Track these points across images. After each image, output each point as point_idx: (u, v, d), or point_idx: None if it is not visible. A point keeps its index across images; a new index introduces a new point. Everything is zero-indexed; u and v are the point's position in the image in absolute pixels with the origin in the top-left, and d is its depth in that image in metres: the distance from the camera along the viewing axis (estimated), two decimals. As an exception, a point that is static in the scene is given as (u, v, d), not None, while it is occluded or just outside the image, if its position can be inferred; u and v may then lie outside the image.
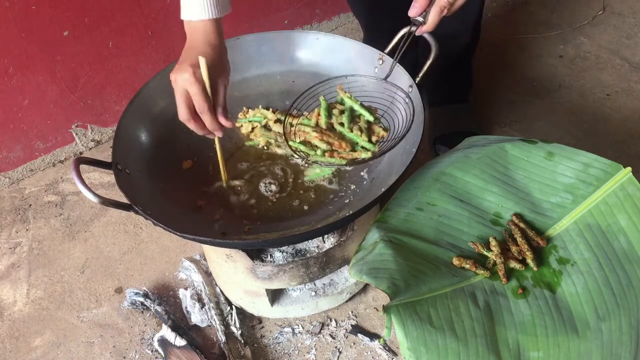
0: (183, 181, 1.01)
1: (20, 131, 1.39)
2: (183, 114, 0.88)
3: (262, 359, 1.06)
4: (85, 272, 1.24)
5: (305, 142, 0.95)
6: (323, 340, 1.08)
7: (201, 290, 1.15)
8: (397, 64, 0.98)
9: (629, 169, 0.88)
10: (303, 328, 1.10)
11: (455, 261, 0.85)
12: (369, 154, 0.93)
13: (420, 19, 0.89)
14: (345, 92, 1.00)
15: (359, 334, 1.08)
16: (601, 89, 1.59)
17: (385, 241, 0.84)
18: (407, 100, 0.95)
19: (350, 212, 0.84)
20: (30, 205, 1.40)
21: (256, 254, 1.00)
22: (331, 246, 0.99)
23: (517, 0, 1.95)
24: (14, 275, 1.25)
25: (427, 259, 0.85)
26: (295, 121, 0.98)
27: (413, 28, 0.91)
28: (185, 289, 1.16)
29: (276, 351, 1.07)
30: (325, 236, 1.03)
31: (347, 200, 0.96)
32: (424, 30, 0.91)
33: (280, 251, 1.01)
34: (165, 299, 1.16)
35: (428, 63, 0.95)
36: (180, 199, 0.97)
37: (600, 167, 0.91)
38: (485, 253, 0.86)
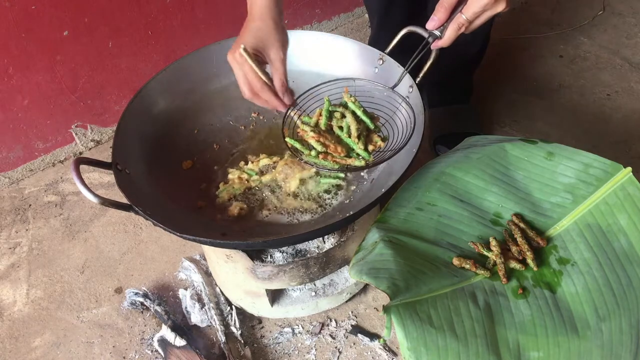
0: (183, 181, 1.01)
1: (20, 131, 1.39)
2: (245, 92, 0.90)
3: (262, 359, 1.06)
4: (85, 272, 1.24)
5: (302, 141, 0.94)
6: (323, 341, 1.08)
7: (201, 291, 1.15)
8: (408, 75, 0.97)
9: (629, 169, 0.88)
10: (303, 328, 1.10)
11: (456, 261, 0.85)
12: (362, 163, 0.91)
13: (437, 32, 0.88)
14: (351, 96, 0.98)
15: (359, 334, 1.08)
16: (601, 89, 1.59)
17: (385, 241, 0.84)
18: (409, 112, 0.93)
19: (351, 212, 0.84)
20: (30, 205, 1.40)
21: (256, 254, 1.00)
22: (331, 246, 0.99)
23: (517, 0, 1.95)
24: (13, 275, 1.25)
25: (427, 259, 0.85)
26: (295, 116, 0.96)
27: (430, 39, 0.89)
28: (185, 289, 1.16)
29: (276, 351, 1.07)
30: (326, 236, 1.03)
31: (347, 201, 0.96)
32: (439, 45, 0.89)
33: (280, 251, 1.01)
34: (165, 299, 1.16)
35: (428, 64, 0.95)
36: (180, 199, 0.97)
37: (601, 167, 0.91)
38: (486, 253, 0.86)
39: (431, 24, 0.88)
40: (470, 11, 0.83)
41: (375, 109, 0.98)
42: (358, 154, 0.92)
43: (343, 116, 0.95)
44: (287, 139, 0.93)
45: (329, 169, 0.92)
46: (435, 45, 0.90)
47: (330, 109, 0.95)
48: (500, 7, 0.82)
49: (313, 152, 0.92)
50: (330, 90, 0.98)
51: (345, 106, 0.97)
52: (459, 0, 0.85)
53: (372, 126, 0.95)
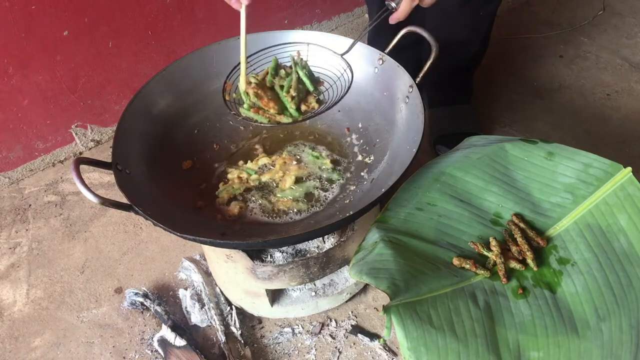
0: (183, 181, 1.01)
1: (20, 131, 1.39)
2: None
3: (262, 359, 1.06)
4: (85, 272, 1.24)
5: (243, 94, 0.96)
6: (323, 341, 1.08)
7: (201, 291, 1.15)
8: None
9: (629, 169, 0.88)
10: (303, 328, 1.10)
11: (456, 261, 0.85)
12: (289, 120, 0.94)
13: (393, 4, 0.91)
14: (302, 60, 1.01)
15: (359, 334, 1.08)
16: (601, 88, 1.59)
17: (385, 241, 0.84)
18: (349, 77, 0.96)
19: (351, 212, 0.84)
20: (30, 205, 1.40)
21: (256, 254, 1.00)
22: (331, 246, 0.99)
23: None
24: (13, 275, 1.25)
25: (427, 259, 0.85)
26: (243, 70, 0.98)
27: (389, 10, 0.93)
28: (185, 289, 1.16)
29: (276, 351, 1.07)
30: (326, 236, 1.03)
31: (347, 201, 0.96)
32: (395, 18, 0.93)
33: (280, 251, 1.01)
34: (165, 299, 1.16)
35: (428, 64, 0.95)
36: (180, 199, 0.97)
37: (601, 167, 0.91)
38: (486, 253, 0.86)
39: None
40: None
41: (324, 75, 1.01)
42: (290, 113, 0.95)
43: (287, 75, 0.98)
44: (225, 94, 0.96)
45: (257, 122, 0.95)
46: (392, 19, 0.94)
47: (276, 67, 0.99)
48: None
49: (245, 105, 0.94)
50: (284, 53, 1.02)
51: (303, 67, 1.00)
52: None
53: (311, 88, 0.98)
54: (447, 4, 1.21)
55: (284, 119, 0.94)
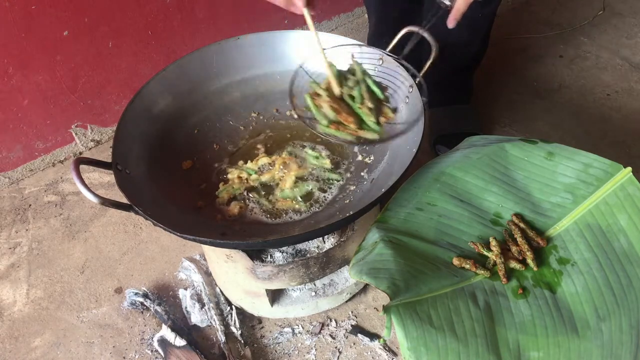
0: (183, 181, 1.01)
1: (20, 131, 1.39)
2: None
3: (262, 359, 1.06)
4: (85, 272, 1.24)
5: (314, 107, 0.86)
6: (323, 341, 1.08)
7: (201, 291, 1.15)
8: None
9: (629, 169, 0.88)
10: (303, 328, 1.10)
11: (456, 261, 0.85)
12: (375, 136, 0.85)
13: (447, 2, 0.84)
14: (360, 65, 0.91)
15: (359, 334, 1.08)
16: (601, 89, 1.59)
17: (385, 241, 0.84)
18: (412, 90, 0.88)
19: (351, 212, 0.84)
20: (30, 205, 1.40)
21: (256, 254, 1.00)
22: (331, 246, 0.99)
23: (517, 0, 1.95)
24: (13, 275, 1.25)
25: (427, 259, 0.85)
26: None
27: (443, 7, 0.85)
28: (185, 289, 1.16)
29: (276, 351, 1.07)
30: (326, 236, 1.03)
31: (347, 201, 0.96)
32: (452, 19, 0.85)
33: (280, 251, 1.01)
34: (165, 299, 1.16)
35: (428, 63, 0.95)
36: (180, 199, 0.97)
37: (601, 167, 0.91)
38: (486, 253, 0.86)
39: None
40: None
41: (382, 78, 0.92)
42: (369, 127, 0.87)
43: (356, 84, 0.88)
44: (308, 101, 0.85)
45: (342, 140, 0.86)
46: (450, 21, 0.87)
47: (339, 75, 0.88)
48: None
49: (324, 122, 0.85)
50: (334, 57, 0.91)
51: (352, 73, 0.90)
52: None
53: (381, 96, 0.90)
54: None
55: (368, 135, 0.85)
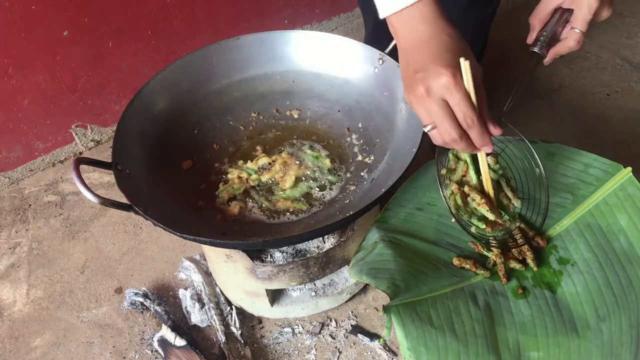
0: (183, 181, 1.01)
1: (20, 131, 1.39)
2: (452, 133, 0.65)
3: (262, 359, 1.06)
4: (85, 272, 1.24)
5: (460, 204, 0.80)
6: (323, 341, 1.08)
7: (201, 290, 1.15)
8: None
9: (629, 169, 0.89)
10: (303, 328, 1.10)
11: (456, 261, 0.85)
12: (513, 226, 0.83)
13: (537, 50, 0.82)
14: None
15: (359, 334, 1.08)
16: (601, 89, 1.59)
17: (385, 241, 0.84)
18: (530, 161, 0.83)
19: (351, 212, 0.84)
20: (30, 205, 1.40)
21: (256, 254, 1.00)
22: (331, 246, 0.99)
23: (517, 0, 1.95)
24: (13, 275, 1.25)
25: (427, 259, 0.85)
26: (446, 173, 0.83)
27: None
28: (185, 289, 1.16)
29: (276, 351, 1.07)
30: (326, 236, 1.03)
31: (347, 201, 0.96)
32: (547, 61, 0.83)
33: (280, 251, 1.01)
34: (165, 299, 1.16)
35: None
36: (180, 199, 0.97)
37: (601, 167, 0.91)
38: (486, 253, 0.86)
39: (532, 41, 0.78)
40: (581, 21, 0.74)
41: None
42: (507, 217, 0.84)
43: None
44: (451, 204, 0.78)
45: (491, 238, 0.83)
46: (546, 62, 0.86)
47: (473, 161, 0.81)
48: (606, 13, 0.72)
49: (477, 222, 0.79)
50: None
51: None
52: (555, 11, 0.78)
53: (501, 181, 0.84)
54: (452, 8, 1.21)
55: (511, 225, 0.82)
